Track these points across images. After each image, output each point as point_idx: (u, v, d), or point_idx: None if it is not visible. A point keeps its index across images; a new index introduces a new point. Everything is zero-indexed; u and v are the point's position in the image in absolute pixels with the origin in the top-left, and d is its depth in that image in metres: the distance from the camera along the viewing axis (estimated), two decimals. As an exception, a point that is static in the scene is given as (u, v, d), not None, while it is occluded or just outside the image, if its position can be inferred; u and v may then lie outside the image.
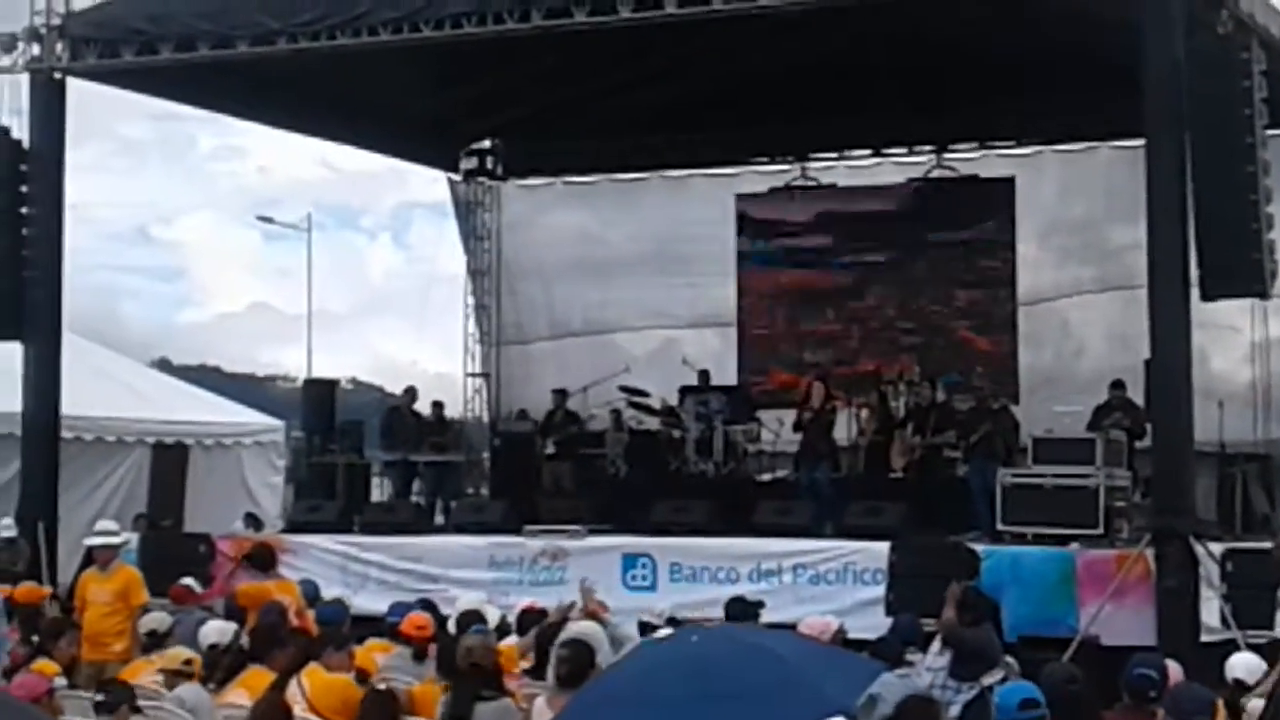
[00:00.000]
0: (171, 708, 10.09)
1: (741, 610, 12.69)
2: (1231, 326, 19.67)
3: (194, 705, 9.86)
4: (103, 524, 14.70)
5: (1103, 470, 16.40)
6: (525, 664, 11.37)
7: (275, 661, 9.74)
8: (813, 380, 20.07)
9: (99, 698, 9.19)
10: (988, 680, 10.87)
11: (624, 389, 21.90)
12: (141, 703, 10.08)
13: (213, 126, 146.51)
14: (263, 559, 14.50)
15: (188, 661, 10.43)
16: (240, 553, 16.02)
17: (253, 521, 20.85)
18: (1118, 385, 18.56)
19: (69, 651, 11.18)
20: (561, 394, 21.96)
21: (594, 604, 12.23)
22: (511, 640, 11.96)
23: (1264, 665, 10.30)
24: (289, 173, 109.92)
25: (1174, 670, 9.21)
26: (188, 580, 14.65)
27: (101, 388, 22.22)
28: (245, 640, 10.62)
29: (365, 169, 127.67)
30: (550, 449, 21.32)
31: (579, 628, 10.63)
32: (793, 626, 11.81)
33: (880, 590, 15.68)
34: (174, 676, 10.40)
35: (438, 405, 22.22)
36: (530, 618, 12.58)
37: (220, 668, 10.44)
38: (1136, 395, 18.04)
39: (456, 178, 25.62)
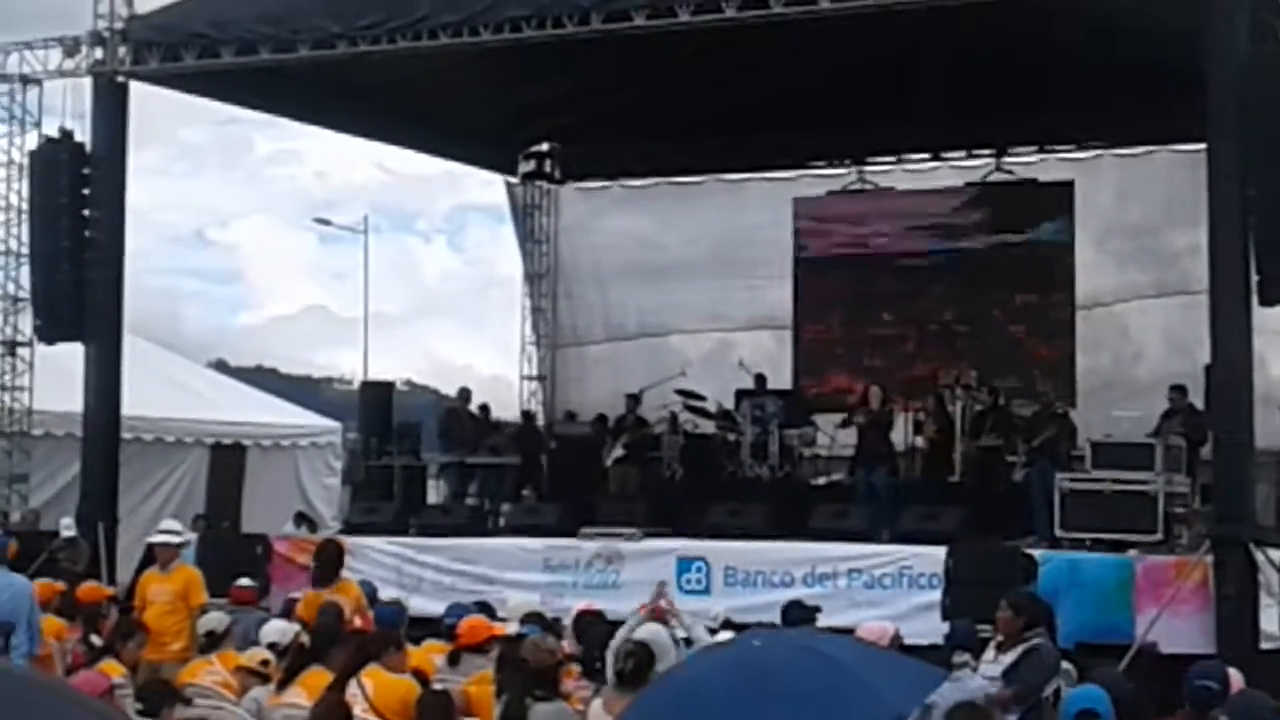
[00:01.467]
0: (231, 708, 10.15)
1: (799, 615, 12.65)
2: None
3: (265, 707, 9.93)
4: (167, 523, 14.76)
5: (1162, 476, 16.27)
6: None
7: (335, 661, 9.77)
8: (870, 383, 19.98)
9: (138, 705, 9.20)
10: (1046, 690, 10.82)
11: (680, 392, 21.90)
12: (200, 702, 10.15)
13: (270, 131, 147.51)
14: (323, 571, 14.05)
15: (264, 662, 10.46)
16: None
17: (303, 521, 20.94)
18: (1179, 389, 18.42)
19: (137, 653, 11.22)
20: (634, 398, 21.86)
21: (662, 606, 12.19)
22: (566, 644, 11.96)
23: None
24: (344, 176, 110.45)
25: (1236, 678, 9.15)
26: (244, 580, 14.71)
27: (161, 389, 22.39)
28: (306, 640, 10.63)
29: (420, 172, 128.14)
30: (620, 452, 21.26)
31: (644, 630, 10.64)
32: (848, 631, 11.77)
33: (936, 595, 15.61)
34: (249, 676, 10.44)
35: (484, 408, 22.22)
36: (586, 621, 12.58)
37: (280, 668, 10.48)
38: (1195, 401, 17.92)
39: (514, 181, 25.71)
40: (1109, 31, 18.33)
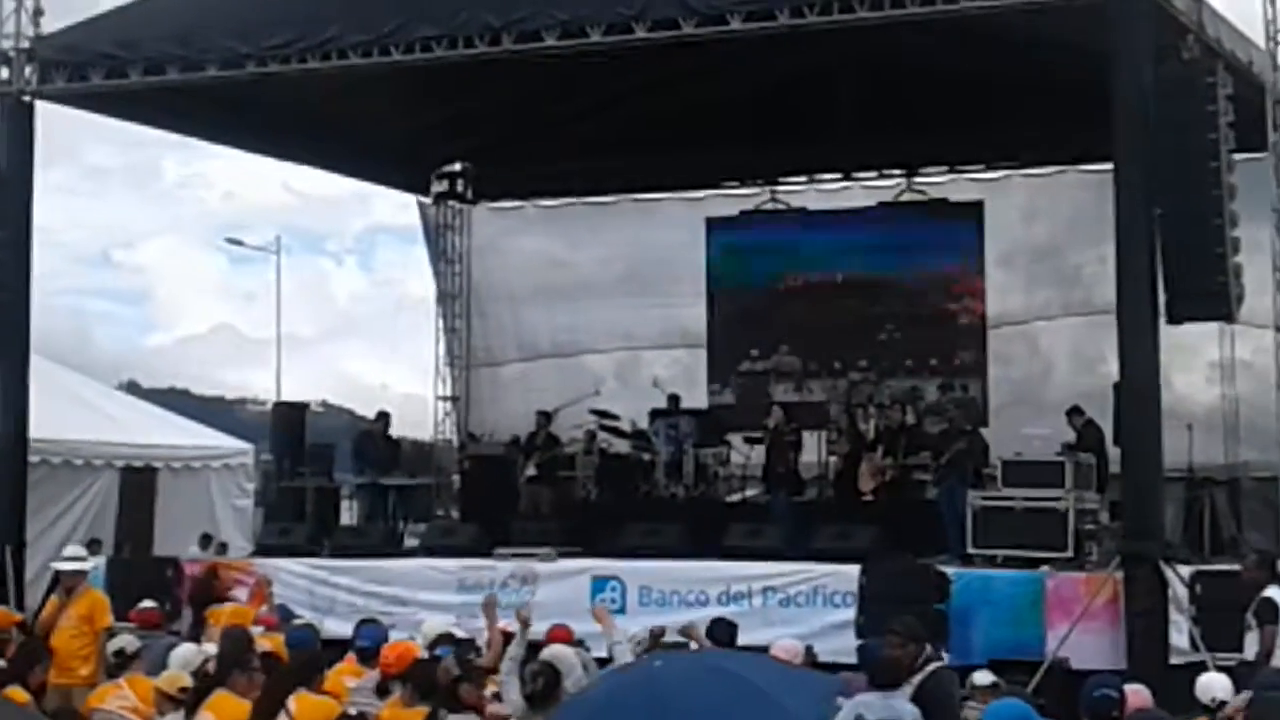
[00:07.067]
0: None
1: (724, 631, 12.59)
2: (1192, 348, 19.75)
3: None
4: (71, 549, 14.63)
5: (1072, 493, 16.43)
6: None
7: (240, 685, 9.66)
8: (770, 404, 20.05)
9: None
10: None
11: (595, 411, 21.89)
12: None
13: (178, 153, 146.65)
14: None
15: (184, 689, 10.28)
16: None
17: (209, 542, 20.76)
18: (1076, 411, 18.60)
19: (42, 677, 11.07)
20: (545, 416, 21.79)
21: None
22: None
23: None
24: (254, 198, 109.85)
25: (1143, 695, 9.21)
26: (147, 603, 14.58)
27: (70, 410, 22.12)
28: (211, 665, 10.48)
29: (329, 194, 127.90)
30: (532, 471, 21.17)
31: (551, 651, 10.63)
32: (763, 649, 11.79)
33: (850, 613, 15.67)
34: (166, 701, 10.28)
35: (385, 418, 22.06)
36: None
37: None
38: (1100, 417, 18.07)
39: (427, 201, 25.62)
40: (1017, 53, 18.48)
